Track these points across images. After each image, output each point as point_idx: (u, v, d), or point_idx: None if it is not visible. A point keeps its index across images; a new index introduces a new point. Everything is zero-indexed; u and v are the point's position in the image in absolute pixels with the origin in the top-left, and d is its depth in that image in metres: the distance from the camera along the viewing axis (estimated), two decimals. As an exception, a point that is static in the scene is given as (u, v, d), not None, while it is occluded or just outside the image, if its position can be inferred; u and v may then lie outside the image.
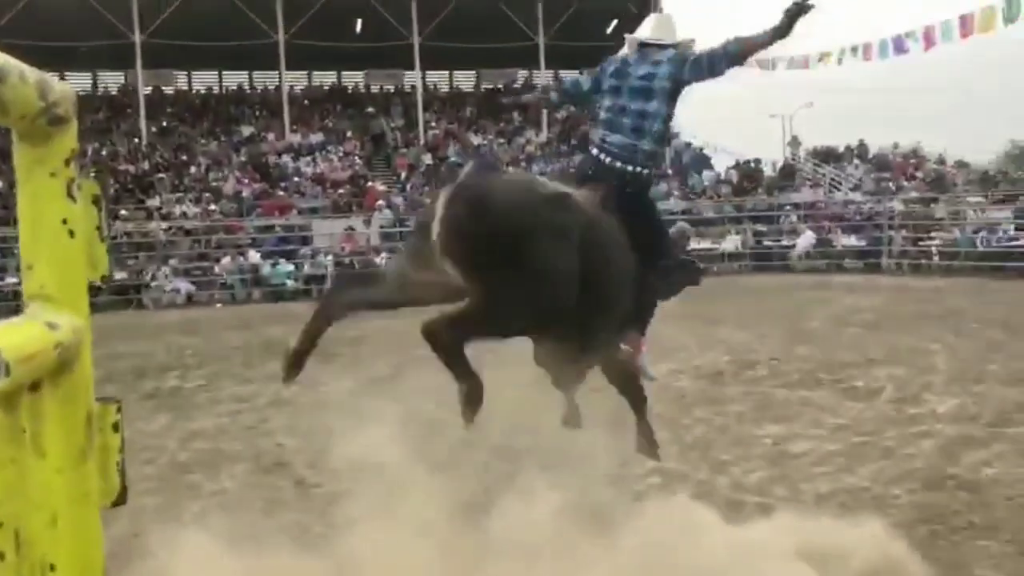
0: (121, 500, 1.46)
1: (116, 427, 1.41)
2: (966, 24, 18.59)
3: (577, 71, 35.40)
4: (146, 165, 26.34)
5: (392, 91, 33.29)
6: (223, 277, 20.84)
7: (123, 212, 22.93)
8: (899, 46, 20.67)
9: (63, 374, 1.22)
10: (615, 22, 32.22)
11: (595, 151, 3.91)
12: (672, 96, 3.88)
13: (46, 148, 1.19)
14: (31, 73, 1.10)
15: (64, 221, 1.23)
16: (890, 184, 25.75)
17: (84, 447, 1.29)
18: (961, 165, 27.09)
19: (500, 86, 33.86)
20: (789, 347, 9.16)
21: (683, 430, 6.09)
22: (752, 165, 28.72)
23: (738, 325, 11.01)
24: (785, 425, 6.06)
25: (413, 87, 31.39)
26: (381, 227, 23.12)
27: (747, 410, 6.61)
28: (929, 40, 19.67)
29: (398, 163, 28.13)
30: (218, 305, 19.68)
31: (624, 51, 4.18)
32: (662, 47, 3.92)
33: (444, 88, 34.67)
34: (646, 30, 4.05)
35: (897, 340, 9.64)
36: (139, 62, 27.44)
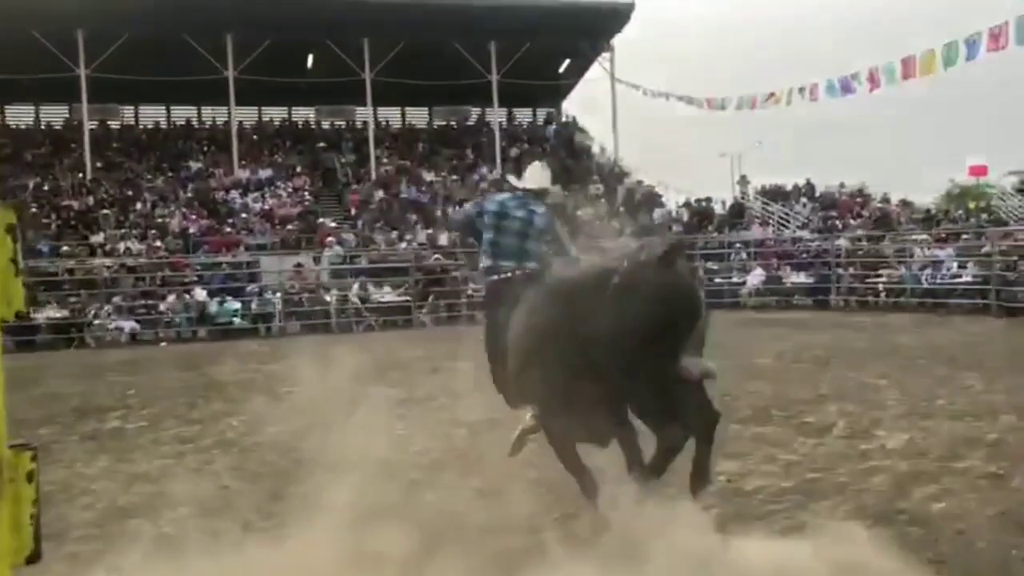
0: (35, 557, 1.34)
1: (31, 477, 1.29)
2: (908, 66, 19.19)
3: (529, 108, 35.95)
4: (90, 201, 25.82)
5: (343, 127, 33.24)
6: (168, 315, 20.40)
7: (65, 248, 22.42)
8: (845, 87, 21.27)
9: (-33, 420, 1.09)
10: (567, 61, 32.72)
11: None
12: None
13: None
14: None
15: (-26, 253, 1.11)
16: (837, 222, 26.26)
17: (-8, 500, 1.16)
18: (905, 204, 27.74)
19: (453, 122, 34.06)
20: (741, 383, 9.15)
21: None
22: (703, 203, 29.11)
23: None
24: (739, 461, 6.01)
25: (365, 123, 31.38)
26: (331, 264, 22.89)
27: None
28: (873, 81, 20.31)
29: (349, 199, 27.97)
30: (163, 344, 19.25)
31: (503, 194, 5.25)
32: (537, 195, 5.07)
33: (396, 124, 34.70)
34: (529, 181, 5.15)
35: (847, 376, 9.71)
36: (84, 96, 27.03)
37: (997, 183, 32.84)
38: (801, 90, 23.04)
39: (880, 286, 20.61)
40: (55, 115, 31.57)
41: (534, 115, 36.42)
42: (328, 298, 21.26)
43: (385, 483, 5.73)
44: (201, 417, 8.98)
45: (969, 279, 18.89)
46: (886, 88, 20.26)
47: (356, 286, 21.46)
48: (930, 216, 26.65)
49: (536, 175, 5.20)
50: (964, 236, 21.60)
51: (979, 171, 34.11)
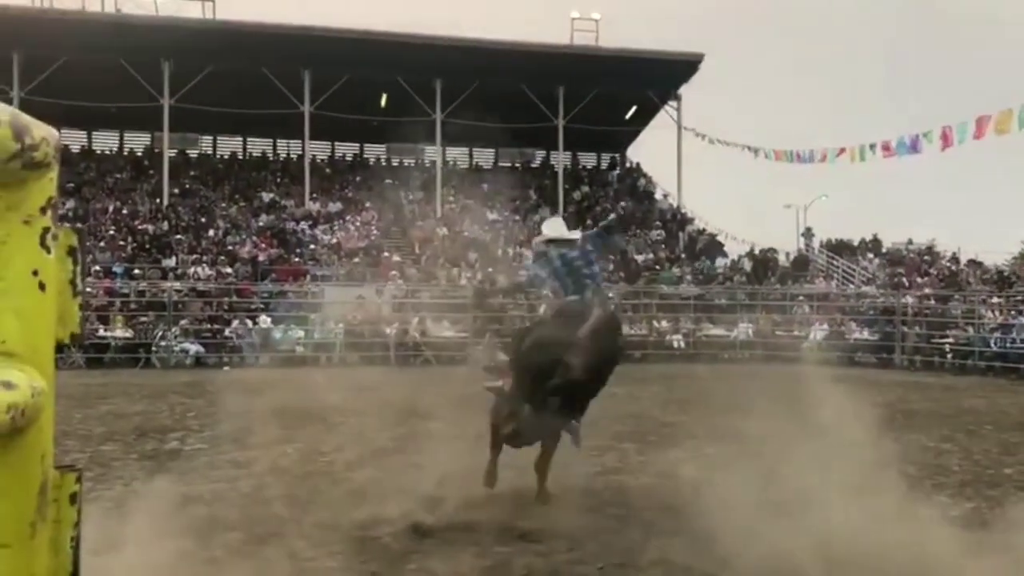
0: (73, 580, 1.33)
1: (74, 499, 1.28)
2: (982, 125, 18.83)
3: (594, 154, 36.09)
4: (165, 226, 26.61)
5: (412, 164, 33.75)
6: (233, 340, 20.80)
7: (138, 271, 23.09)
8: (914, 145, 20.97)
9: (14, 439, 1.11)
10: (634, 108, 32.82)
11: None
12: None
13: (20, 193, 1.11)
14: (5, 113, 1.04)
15: (35, 272, 1.15)
16: (904, 279, 25.68)
17: (34, 520, 1.19)
18: (974, 263, 27.02)
19: (518, 164, 34.36)
20: (796, 443, 8.95)
21: (692, 518, 5.91)
22: (767, 254, 28.76)
23: (747, 415, 10.81)
24: (777, 521, 5.86)
25: (433, 162, 31.83)
26: (393, 297, 23.13)
27: (758, 503, 6.40)
28: (946, 140, 19.98)
29: (414, 235, 28.31)
30: (226, 368, 19.58)
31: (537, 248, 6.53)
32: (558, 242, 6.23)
33: (463, 164, 35.11)
34: (550, 232, 6.37)
35: (909, 438, 9.43)
36: (166, 124, 27.98)
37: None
38: (872, 147, 22.74)
39: (947, 347, 20.03)
40: (137, 142, 32.71)
41: (598, 159, 36.54)
42: (388, 331, 21.45)
43: (430, 516, 5.74)
44: (257, 442, 9.08)
45: (1042, 344, 18.28)
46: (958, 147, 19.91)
47: (416, 320, 21.62)
48: (1002, 277, 25.89)
49: (555, 226, 6.48)
50: (1037, 299, 20.94)
51: (1055, 233, 33.04)
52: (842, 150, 23.77)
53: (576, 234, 6.40)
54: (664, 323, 22.98)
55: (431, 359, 20.65)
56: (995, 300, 21.47)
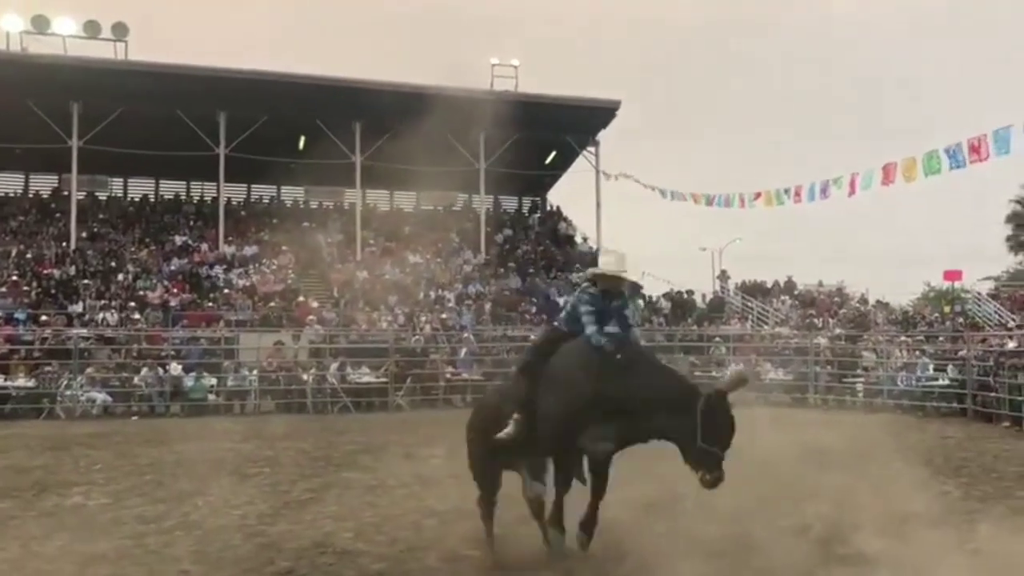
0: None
1: None
2: (889, 172, 19.71)
3: (515, 197, 36.44)
4: (72, 270, 25.70)
5: (331, 207, 33.47)
6: (142, 388, 20.10)
7: (42, 317, 22.19)
8: (825, 191, 21.88)
9: None
10: (554, 153, 33.34)
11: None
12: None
13: None
14: None
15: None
16: (816, 320, 26.45)
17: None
18: (882, 304, 28.02)
19: (439, 207, 34.43)
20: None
21: (612, 563, 5.88)
22: (684, 295, 29.31)
23: (663, 457, 10.87)
24: (714, 563, 5.89)
25: (353, 204, 31.64)
26: (311, 342, 22.74)
27: (673, 549, 6.41)
28: (853, 187, 20.89)
29: (332, 279, 27.97)
30: (134, 418, 18.90)
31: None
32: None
33: (384, 206, 34.99)
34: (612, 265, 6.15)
35: (822, 476, 9.60)
36: (75, 166, 27.17)
37: (972, 288, 33.26)
38: (787, 191, 23.54)
39: (858, 386, 20.62)
40: (44, 184, 31.65)
41: (520, 202, 36.88)
42: (305, 377, 21.03)
43: (348, 571, 5.57)
44: (167, 496, 8.77)
45: (946, 382, 18.96)
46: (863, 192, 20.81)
47: (334, 366, 21.27)
48: (908, 318, 26.91)
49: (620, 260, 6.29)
50: (940, 339, 21.78)
51: (954, 275, 34.58)
52: (758, 194, 24.53)
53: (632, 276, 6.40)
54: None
55: (350, 406, 20.30)
56: (901, 339, 22.26)
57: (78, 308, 23.46)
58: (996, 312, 28.19)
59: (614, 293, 6.04)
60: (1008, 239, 43.49)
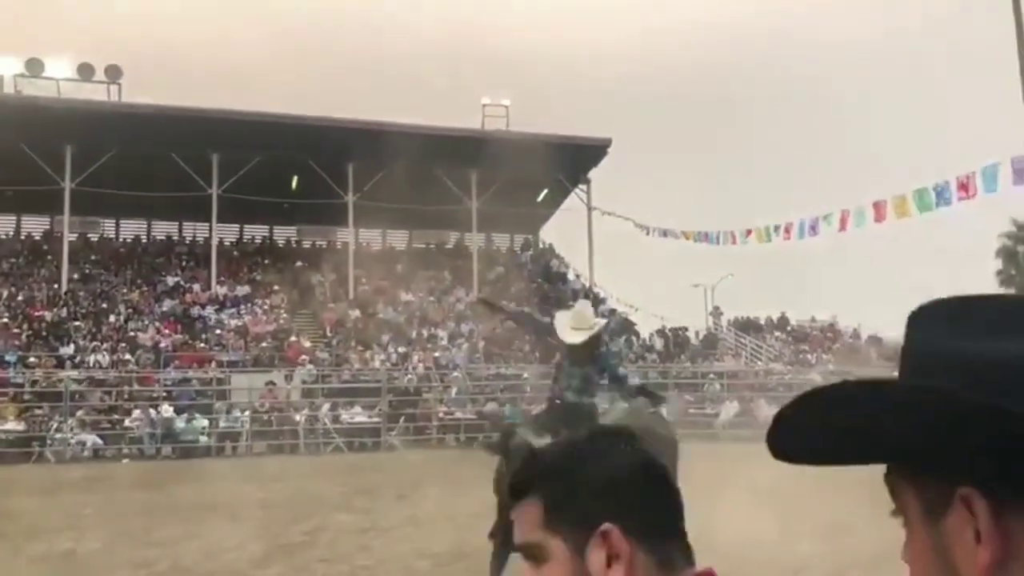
0: None
1: None
2: (880, 209, 19.91)
3: (507, 235, 36.58)
4: (63, 312, 25.61)
5: (324, 246, 33.53)
6: (133, 431, 19.95)
7: (32, 359, 22.07)
8: (815, 227, 22.07)
9: None
10: (545, 191, 33.52)
11: None
12: None
13: None
14: None
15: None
16: (809, 356, 26.49)
17: None
18: (874, 339, 28.08)
19: (432, 245, 34.53)
20: (716, 522, 8.98)
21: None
22: (678, 332, 29.33)
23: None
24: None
25: (346, 243, 31.70)
26: (303, 383, 22.65)
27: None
28: (843, 224, 21.08)
29: (324, 318, 27.93)
30: (125, 460, 18.75)
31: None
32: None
33: (377, 245, 35.07)
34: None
35: (819, 513, 9.55)
36: (67, 208, 27.19)
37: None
38: (776, 228, 23.72)
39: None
40: (36, 226, 31.67)
41: (512, 240, 37.01)
42: (298, 418, 20.92)
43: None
44: (158, 540, 8.67)
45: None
46: (856, 230, 20.98)
47: (326, 406, 21.17)
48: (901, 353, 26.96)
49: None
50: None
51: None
52: (749, 231, 24.72)
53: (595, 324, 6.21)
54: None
55: (342, 446, 20.18)
56: (895, 374, 22.24)
57: (69, 350, 23.34)
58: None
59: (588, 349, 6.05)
60: (998, 273, 43.72)
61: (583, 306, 6.54)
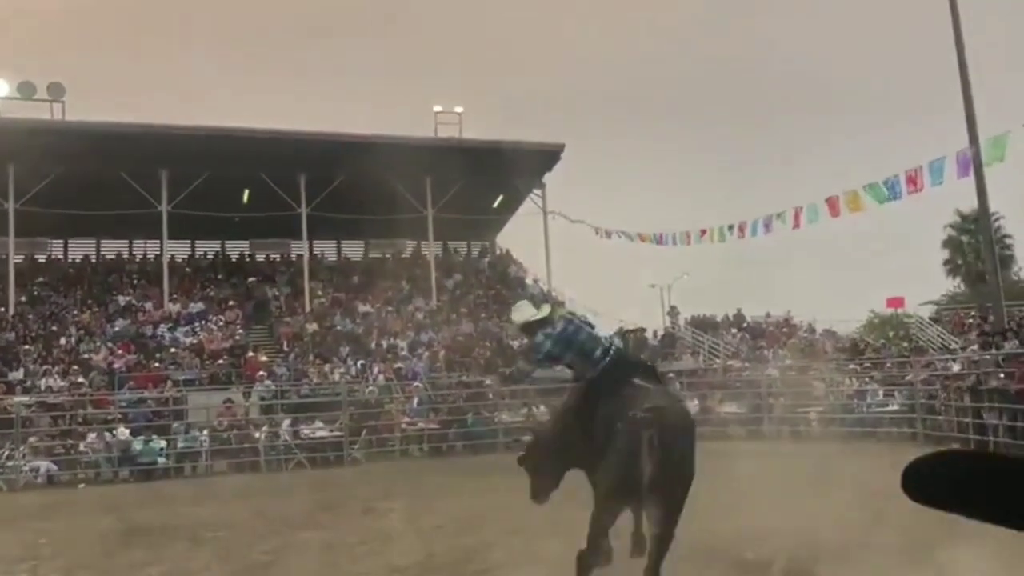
0: None
1: None
2: (834, 205, 20.30)
3: (464, 242, 36.54)
4: (11, 336, 25.00)
5: (278, 259, 33.19)
6: (88, 455, 19.51)
7: (-20, 386, 21.51)
8: (768, 226, 22.41)
9: None
10: (500, 197, 33.54)
11: None
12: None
13: None
14: None
15: None
16: (766, 352, 26.79)
17: None
18: (829, 333, 28.49)
19: (388, 254, 34.35)
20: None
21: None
22: (637, 332, 29.47)
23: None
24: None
25: (300, 256, 31.41)
26: (261, 399, 22.36)
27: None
28: (797, 221, 21.47)
29: (281, 332, 27.62)
30: (81, 486, 18.32)
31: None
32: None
33: (332, 257, 34.79)
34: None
35: (785, 508, 9.64)
36: (11, 230, 26.55)
37: (914, 313, 34.02)
38: (731, 227, 24.03)
39: (812, 415, 20.86)
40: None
41: (469, 247, 36.97)
42: (257, 435, 20.64)
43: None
44: (120, 567, 8.48)
45: (896, 408, 19.27)
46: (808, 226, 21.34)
47: (286, 422, 20.92)
48: (855, 345, 27.39)
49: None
50: (887, 365, 22.17)
51: (896, 303, 35.35)
52: (704, 231, 24.99)
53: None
54: (542, 407, 23.02)
55: (304, 462, 19.95)
56: (850, 367, 22.61)
57: (19, 375, 22.79)
58: (939, 336, 28.83)
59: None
60: (945, 263, 44.70)
61: (523, 304, 7.28)
